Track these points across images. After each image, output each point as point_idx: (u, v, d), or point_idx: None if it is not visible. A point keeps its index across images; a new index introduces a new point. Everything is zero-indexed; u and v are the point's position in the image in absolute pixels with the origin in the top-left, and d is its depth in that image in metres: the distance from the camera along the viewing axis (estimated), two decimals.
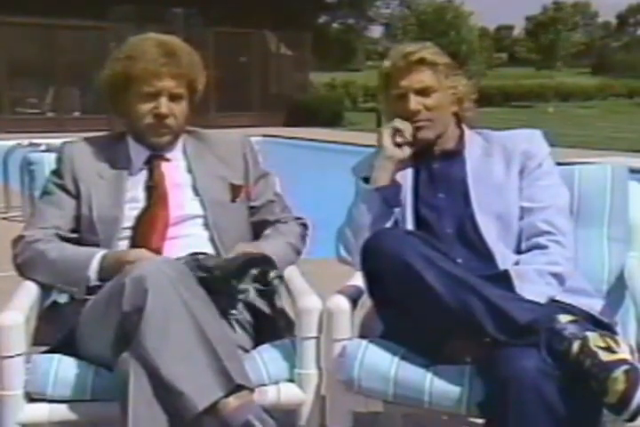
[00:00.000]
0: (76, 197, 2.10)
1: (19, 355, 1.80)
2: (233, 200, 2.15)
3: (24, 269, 2.04)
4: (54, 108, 17.28)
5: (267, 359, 1.91)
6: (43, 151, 4.83)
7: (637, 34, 78.38)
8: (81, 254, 1.99)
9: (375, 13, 63.79)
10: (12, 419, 1.80)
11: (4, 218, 6.55)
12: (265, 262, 1.91)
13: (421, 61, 2.07)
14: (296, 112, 18.62)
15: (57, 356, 1.87)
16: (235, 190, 2.16)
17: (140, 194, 2.09)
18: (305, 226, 2.28)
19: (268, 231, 2.20)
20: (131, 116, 2.10)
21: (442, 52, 2.13)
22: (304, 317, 1.92)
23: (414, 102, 2.07)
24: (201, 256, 1.92)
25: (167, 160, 2.15)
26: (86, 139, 2.20)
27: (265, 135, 11.82)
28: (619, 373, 1.56)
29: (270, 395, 1.89)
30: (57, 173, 2.14)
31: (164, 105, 2.04)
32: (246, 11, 17.14)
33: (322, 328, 1.93)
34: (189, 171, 2.15)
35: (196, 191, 2.12)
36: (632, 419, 1.58)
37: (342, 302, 1.93)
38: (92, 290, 1.92)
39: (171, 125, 2.09)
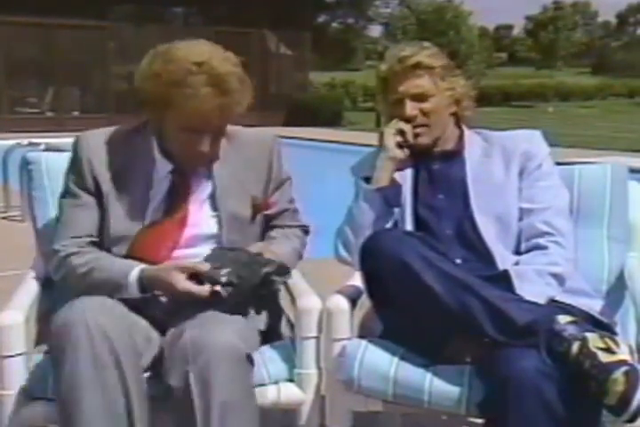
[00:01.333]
0: (99, 198, 1.96)
1: (19, 354, 1.80)
2: (252, 217, 2.04)
3: (64, 283, 1.94)
4: (54, 107, 17.28)
5: (267, 359, 1.91)
6: (42, 151, 4.83)
7: (637, 33, 78.45)
8: (116, 271, 1.86)
9: (375, 13, 63.70)
10: (13, 418, 1.80)
11: (4, 217, 6.56)
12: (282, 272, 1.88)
13: (417, 66, 2.05)
14: (296, 112, 18.61)
15: None
16: (256, 207, 2.05)
17: (160, 205, 1.96)
18: (306, 232, 2.20)
19: (274, 233, 2.12)
20: (164, 132, 1.93)
21: (439, 53, 2.11)
22: (304, 317, 1.92)
23: (410, 108, 2.06)
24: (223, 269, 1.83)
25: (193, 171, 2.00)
26: (104, 132, 2.00)
27: None
28: (618, 374, 1.56)
29: (270, 395, 1.88)
30: (75, 172, 1.97)
31: (207, 144, 1.89)
32: (246, 10, 17.15)
33: (321, 328, 1.93)
34: (210, 179, 2.01)
35: (214, 206, 1.99)
36: (632, 420, 1.57)
37: (342, 302, 1.93)
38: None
39: (206, 158, 1.95)
